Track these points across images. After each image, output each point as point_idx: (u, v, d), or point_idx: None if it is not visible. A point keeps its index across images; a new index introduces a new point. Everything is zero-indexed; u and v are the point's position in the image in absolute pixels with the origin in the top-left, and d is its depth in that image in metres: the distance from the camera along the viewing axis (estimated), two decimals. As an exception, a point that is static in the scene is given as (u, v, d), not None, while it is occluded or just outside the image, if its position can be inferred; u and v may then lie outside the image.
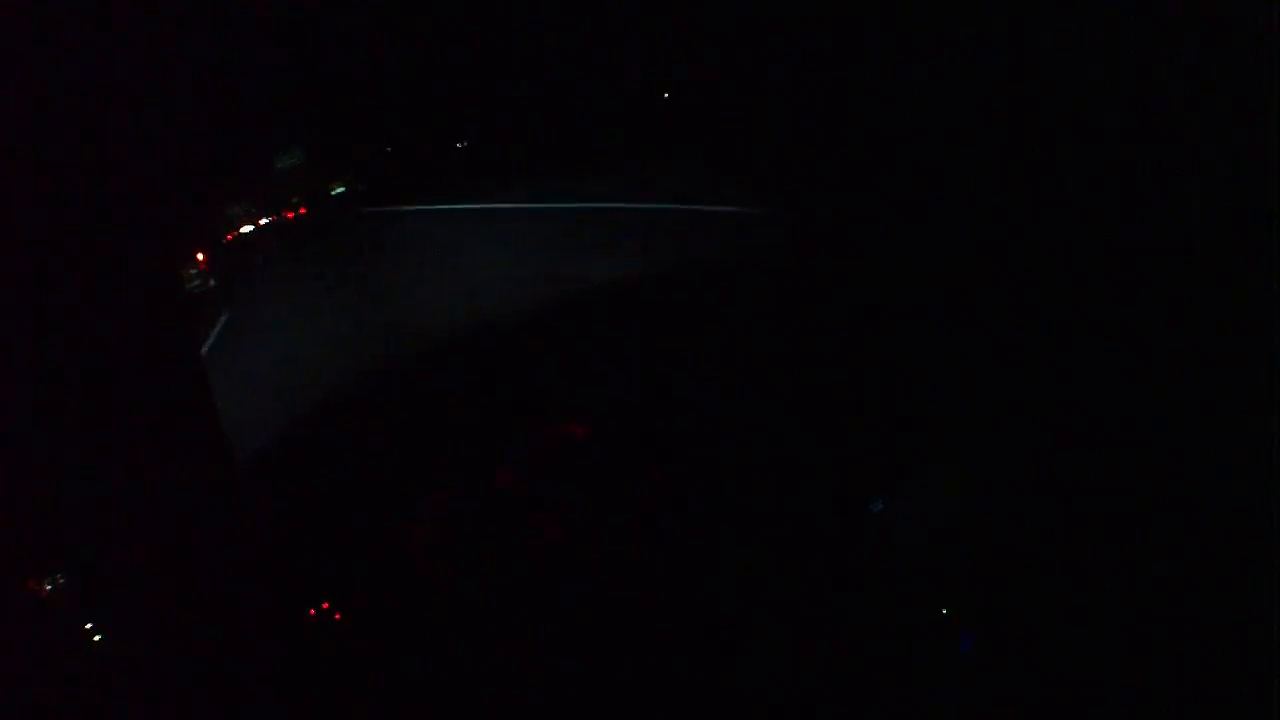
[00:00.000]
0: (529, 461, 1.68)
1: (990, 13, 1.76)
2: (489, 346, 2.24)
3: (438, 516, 1.63)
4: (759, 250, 2.34)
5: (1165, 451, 1.53)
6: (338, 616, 1.52)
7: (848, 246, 2.30)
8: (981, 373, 1.72)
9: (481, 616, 1.51)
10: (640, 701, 1.42)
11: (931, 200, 1.97)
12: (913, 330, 1.83)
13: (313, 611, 1.51)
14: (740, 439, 1.67)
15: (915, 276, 1.99)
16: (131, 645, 1.35)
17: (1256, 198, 1.39)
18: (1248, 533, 1.38)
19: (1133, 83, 1.57)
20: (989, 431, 1.66)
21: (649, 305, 2.21)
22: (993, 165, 1.86)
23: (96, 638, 1.31)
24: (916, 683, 1.45)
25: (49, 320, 1.39)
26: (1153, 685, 1.39)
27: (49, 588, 1.28)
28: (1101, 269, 1.68)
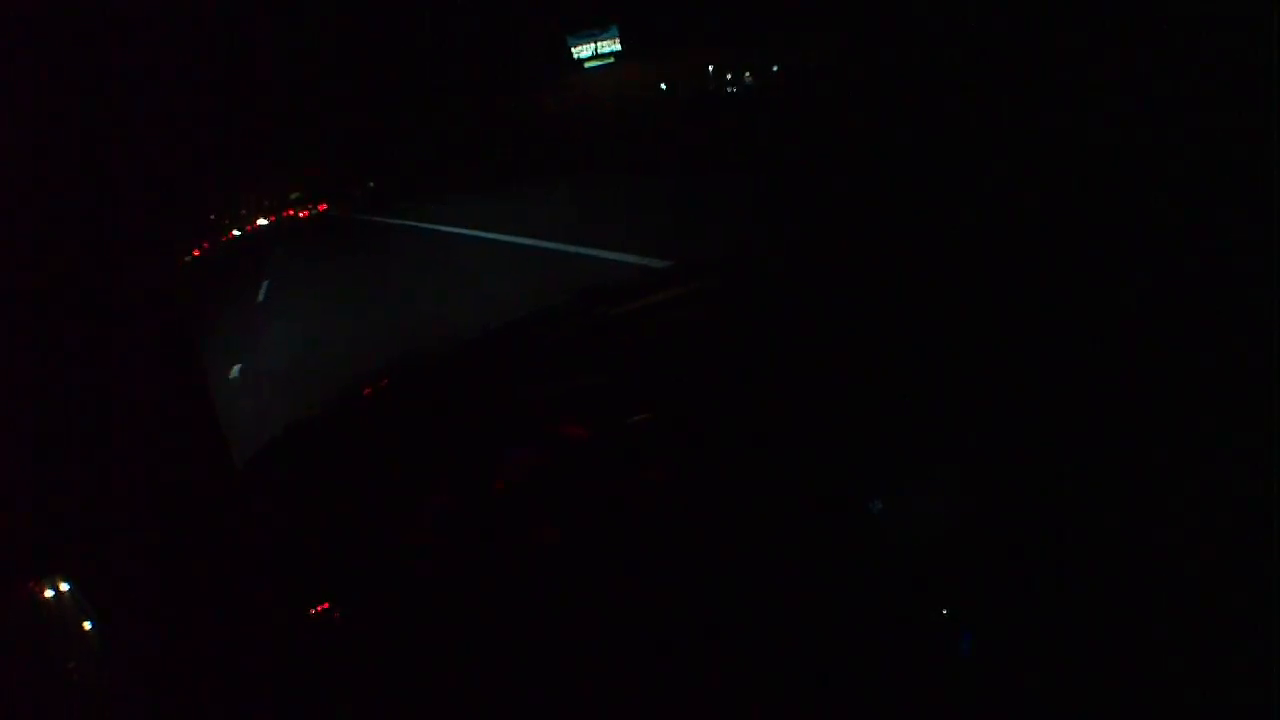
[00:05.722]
0: (528, 463, 1.68)
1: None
2: (488, 346, 2.24)
3: (437, 518, 1.63)
4: (757, 250, 2.34)
5: (1167, 451, 1.53)
6: (338, 617, 1.52)
7: (847, 243, 2.30)
8: (982, 372, 1.72)
9: (482, 618, 1.51)
10: (640, 702, 1.42)
11: (928, 199, 1.97)
12: (912, 329, 1.83)
13: (313, 611, 1.51)
14: (739, 439, 1.67)
15: (913, 276, 1.99)
16: (131, 646, 1.35)
17: (1256, 197, 1.39)
18: (1250, 534, 1.38)
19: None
20: (989, 431, 1.66)
21: (647, 304, 2.21)
22: (990, 163, 1.86)
23: (96, 638, 1.31)
24: (916, 683, 1.45)
25: (47, 320, 1.39)
26: (1154, 686, 1.39)
27: (49, 589, 1.28)
28: (1102, 268, 1.68)
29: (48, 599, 1.27)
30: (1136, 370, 1.60)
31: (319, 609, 1.51)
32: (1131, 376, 1.60)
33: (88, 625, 1.30)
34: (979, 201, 1.88)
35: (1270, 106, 1.31)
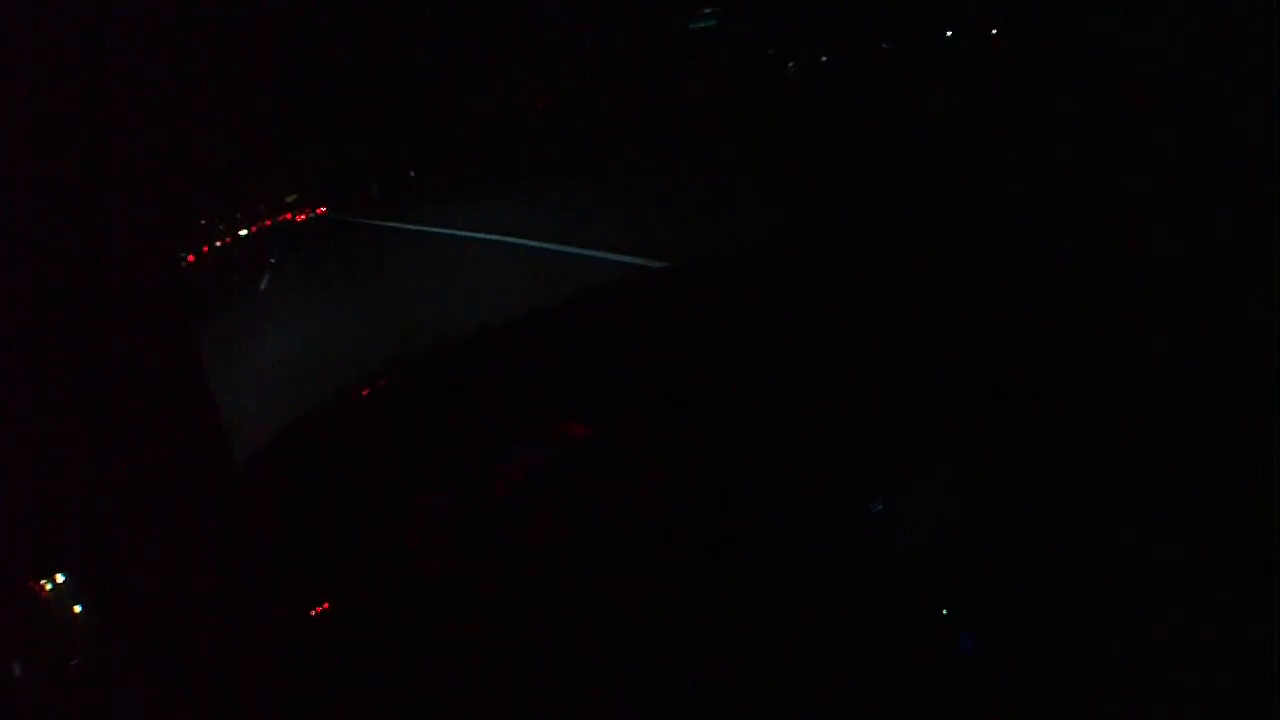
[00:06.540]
0: (528, 462, 1.68)
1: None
2: (488, 346, 2.24)
3: (438, 517, 1.63)
4: (757, 248, 2.35)
5: (1167, 451, 1.53)
6: (337, 617, 1.52)
7: (847, 243, 2.30)
8: (982, 371, 1.73)
9: (482, 618, 1.51)
10: (640, 702, 1.42)
11: (927, 198, 1.98)
12: (912, 328, 1.83)
13: (313, 611, 1.51)
14: (740, 439, 1.68)
15: (913, 275, 1.99)
16: (131, 645, 1.35)
17: (1256, 198, 1.39)
18: (1250, 534, 1.39)
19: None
20: (990, 431, 1.67)
21: (648, 303, 2.21)
22: (990, 160, 1.87)
23: (96, 637, 1.31)
24: (917, 683, 1.45)
25: (47, 318, 1.39)
26: (1154, 686, 1.39)
27: (49, 588, 1.28)
28: (1103, 268, 1.69)
29: (49, 599, 1.27)
30: (1136, 370, 1.61)
31: (319, 609, 1.51)
32: (1131, 376, 1.61)
33: (78, 609, 1.29)
34: (979, 201, 1.88)
35: (1271, 106, 1.32)
